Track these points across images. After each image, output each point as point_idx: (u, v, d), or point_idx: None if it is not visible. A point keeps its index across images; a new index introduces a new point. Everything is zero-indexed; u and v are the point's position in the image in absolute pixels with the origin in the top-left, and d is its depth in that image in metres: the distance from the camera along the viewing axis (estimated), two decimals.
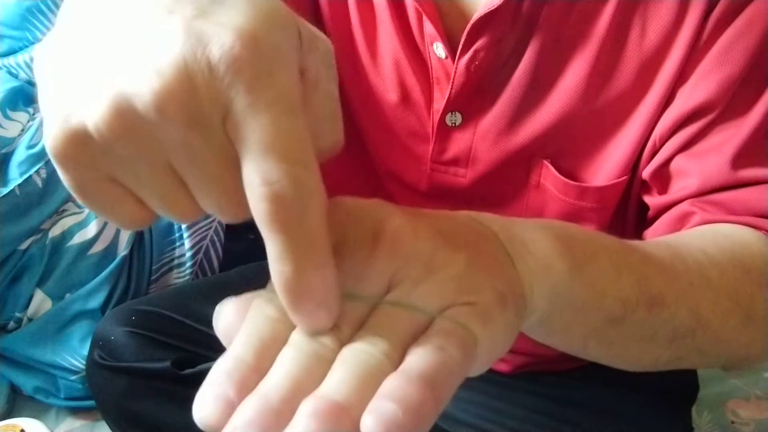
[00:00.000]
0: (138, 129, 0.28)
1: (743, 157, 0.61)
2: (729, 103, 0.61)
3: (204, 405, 0.29)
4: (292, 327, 0.31)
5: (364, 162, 0.77)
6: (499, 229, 0.37)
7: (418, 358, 0.29)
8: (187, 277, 1.38)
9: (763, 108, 0.61)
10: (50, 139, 0.29)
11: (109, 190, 0.31)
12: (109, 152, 0.29)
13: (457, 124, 0.70)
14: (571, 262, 0.40)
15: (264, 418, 0.27)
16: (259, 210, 0.28)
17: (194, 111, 0.28)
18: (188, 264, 1.38)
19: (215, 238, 1.41)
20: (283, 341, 0.31)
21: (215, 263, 1.42)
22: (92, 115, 0.28)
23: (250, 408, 0.28)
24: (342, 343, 0.30)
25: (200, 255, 1.39)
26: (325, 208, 0.30)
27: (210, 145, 0.29)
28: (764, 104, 0.61)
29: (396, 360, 0.29)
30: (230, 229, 1.44)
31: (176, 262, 1.38)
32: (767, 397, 1.34)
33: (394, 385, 0.27)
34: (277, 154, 0.28)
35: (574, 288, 0.40)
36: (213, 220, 1.40)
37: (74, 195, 0.32)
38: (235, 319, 0.33)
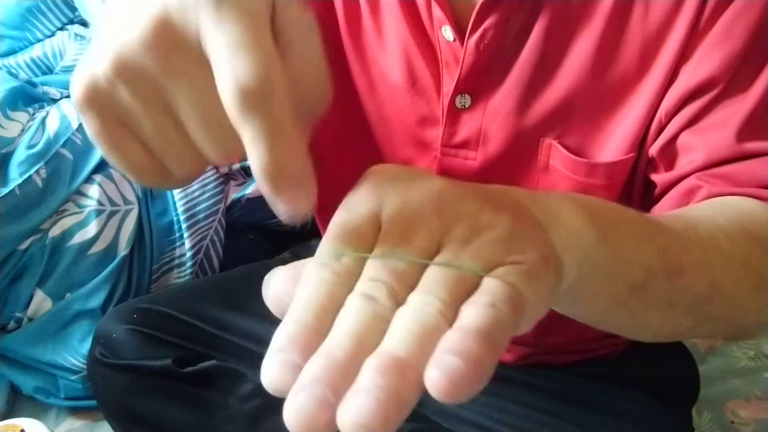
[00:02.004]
0: (132, 69, 0.34)
1: (747, 130, 0.63)
2: (732, 79, 0.63)
3: (272, 371, 0.30)
4: (348, 290, 0.32)
5: (371, 154, 0.78)
6: (527, 200, 0.39)
7: (473, 315, 0.30)
8: (187, 277, 1.38)
9: (764, 84, 0.63)
10: (75, 91, 0.35)
11: (120, 135, 0.36)
12: (115, 94, 0.35)
13: (466, 106, 0.71)
14: (598, 230, 0.41)
15: (331, 374, 0.28)
16: (231, 105, 0.32)
17: (172, 38, 0.33)
18: (188, 264, 1.38)
19: (215, 238, 1.41)
20: (340, 304, 0.32)
21: (215, 263, 1.42)
22: (100, 65, 0.35)
23: (316, 366, 0.29)
24: (398, 304, 0.31)
25: (200, 255, 1.39)
26: (289, 95, 0.33)
27: (193, 70, 0.34)
28: (765, 80, 0.63)
29: (450, 318, 0.30)
30: (230, 229, 1.45)
31: (176, 261, 1.38)
32: (767, 397, 1.34)
33: (454, 340, 0.29)
34: (240, 52, 0.32)
35: (600, 255, 0.41)
36: (213, 220, 1.40)
37: (95, 141, 0.37)
38: (287, 286, 0.34)
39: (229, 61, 0.32)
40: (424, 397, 0.94)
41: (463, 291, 0.31)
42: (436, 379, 0.28)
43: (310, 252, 0.36)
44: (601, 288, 0.44)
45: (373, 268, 0.33)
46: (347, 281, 0.33)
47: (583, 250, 0.39)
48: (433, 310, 0.30)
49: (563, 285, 0.38)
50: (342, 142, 0.78)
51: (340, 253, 0.34)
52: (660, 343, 0.98)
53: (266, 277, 0.35)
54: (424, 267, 0.33)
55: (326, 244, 0.34)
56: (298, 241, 1.49)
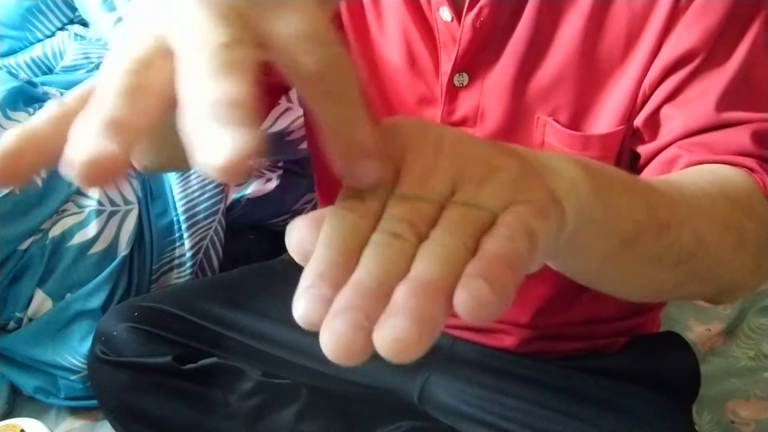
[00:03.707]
0: None
1: (726, 101, 0.67)
2: (710, 52, 0.67)
3: (303, 305, 0.31)
4: (371, 229, 0.34)
5: None
6: (527, 153, 0.40)
7: (494, 245, 0.32)
8: (187, 277, 1.38)
9: (741, 56, 0.67)
10: None
11: None
12: None
13: (464, 84, 0.75)
14: (592, 184, 0.42)
15: (363, 300, 0.30)
16: (311, 88, 0.33)
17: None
18: (188, 264, 1.38)
19: (215, 238, 1.41)
20: (365, 242, 0.33)
21: (215, 263, 1.42)
22: None
23: (348, 294, 0.30)
24: (421, 239, 0.33)
25: (200, 255, 1.39)
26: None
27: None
28: (742, 52, 0.67)
29: (472, 249, 0.32)
30: (230, 229, 1.45)
31: (176, 262, 1.38)
32: (767, 397, 1.34)
33: (479, 265, 0.31)
34: (317, 39, 0.33)
35: (595, 208, 0.43)
36: (213, 220, 1.40)
37: None
38: (309, 232, 0.35)
39: (306, 46, 0.33)
40: (425, 395, 0.94)
41: (480, 227, 0.33)
42: (465, 299, 0.30)
43: None
44: (596, 242, 0.45)
45: (396, 208, 0.34)
46: (370, 222, 0.34)
47: (580, 202, 0.41)
48: (456, 241, 0.32)
49: (564, 234, 0.40)
50: None
51: (361, 195, 0.35)
52: (661, 339, 0.98)
53: (288, 227, 0.36)
54: (444, 208, 0.34)
55: (348, 187, 0.36)
56: None
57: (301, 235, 0.35)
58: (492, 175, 0.35)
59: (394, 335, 0.28)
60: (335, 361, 0.29)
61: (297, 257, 0.35)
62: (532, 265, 0.34)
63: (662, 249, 0.50)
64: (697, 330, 1.46)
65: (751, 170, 0.64)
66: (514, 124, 0.75)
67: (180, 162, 0.45)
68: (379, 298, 0.30)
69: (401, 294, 0.30)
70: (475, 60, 0.74)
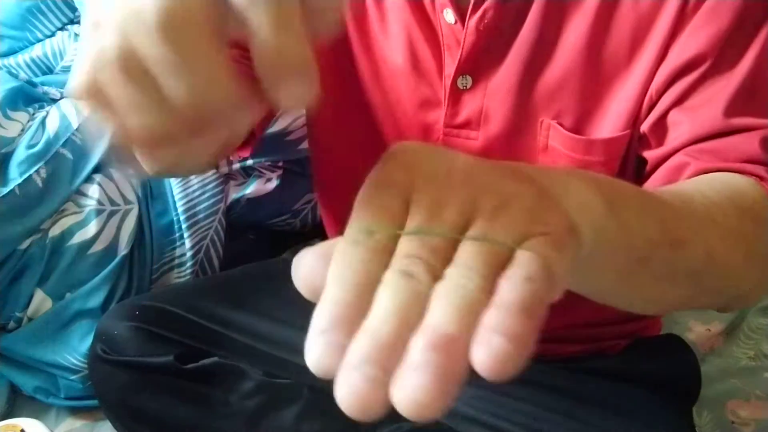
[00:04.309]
0: None
1: (734, 107, 0.66)
2: (718, 57, 0.66)
3: (316, 352, 0.29)
4: (383, 267, 0.32)
5: (376, 141, 0.79)
6: (536, 173, 0.39)
7: (512, 291, 0.30)
8: (187, 277, 1.38)
9: (750, 61, 0.66)
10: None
11: None
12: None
13: (467, 86, 0.75)
14: (605, 203, 0.41)
15: (379, 353, 0.28)
16: None
17: None
18: (189, 264, 1.37)
19: (215, 237, 1.41)
20: (377, 281, 0.31)
21: (215, 263, 1.41)
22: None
23: (363, 345, 0.29)
24: (435, 279, 0.31)
25: (201, 254, 1.39)
26: None
27: None
28: (751, 57, 0.66)
29: (489, 291, 0.30)
30: (230, 229, 1.44)
31: (177, 261, 1.38)
32: (767, 397, 1.34)
33: (497, 318, 0.29)
34: None
35: (609, 228, 0.42)
36: (213, 220, 1.40)
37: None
38: (318, 266, 0.33)
39: None
40: None
41: (497, 263, 0.31)
42: (483, 359, 0.28)
43: None
44: (609, 261, 0.44)
45: (408, 244, 0.32)
46: (382, 258, 0.32)
47: (592, 221, 0.40)
48: (473, 285, 0.30)
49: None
50: (347, 130, 0.80)
51: (372, 230, 0.33)
52: (662, 341, 0.98)
53: (295, 259, 0.34)
54: (457, 241, 0.33)
55: (356, 221, 0.34)
56: (299, 241, 1.49)
57: (310, 270, 0.33)
58: (505, 206, 0.34)
59: (414, 395, 0.27)
60: (351, 416, 0.28)
61: (305, 293, 0.33)
62: (552, 299, 0.32)
63: (674, 265, 0.49)
64: (697, 330, 1.46)
65: (760, 178, 0.63)
66: (518, 127, 0.74)
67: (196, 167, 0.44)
68: (396, 349, 0.28)
69: (419, 348, 0.28)
70: (479, 62, 0.73)
